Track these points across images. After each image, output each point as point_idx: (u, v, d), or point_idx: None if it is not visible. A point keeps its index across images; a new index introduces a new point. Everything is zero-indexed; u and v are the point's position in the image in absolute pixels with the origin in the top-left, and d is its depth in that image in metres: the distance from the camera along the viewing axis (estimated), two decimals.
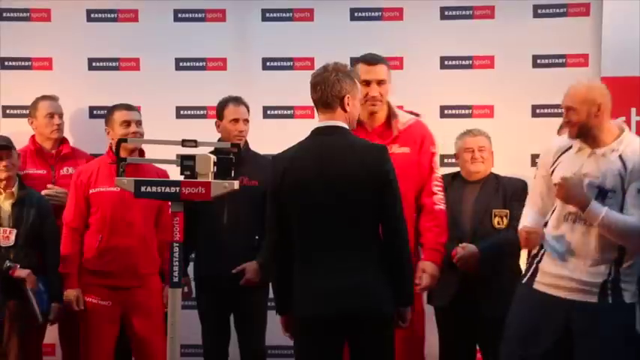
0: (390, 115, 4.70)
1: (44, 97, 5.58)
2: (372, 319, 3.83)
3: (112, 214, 5.07)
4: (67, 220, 5.17)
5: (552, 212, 4.35)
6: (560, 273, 4.22)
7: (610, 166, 4.19)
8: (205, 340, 5.30)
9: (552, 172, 4.34)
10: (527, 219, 4.43)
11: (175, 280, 3.99)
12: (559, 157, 4.35)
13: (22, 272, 4.85)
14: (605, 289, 4.19)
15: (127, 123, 5.14)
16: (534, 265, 4.36)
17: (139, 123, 5.20)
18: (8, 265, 4.85)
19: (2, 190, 5.02)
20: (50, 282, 5.06)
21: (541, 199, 4.44)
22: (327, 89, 3.94)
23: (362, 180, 3.85)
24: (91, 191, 5.12)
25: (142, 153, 5.17)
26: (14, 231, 4.99)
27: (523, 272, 4.45)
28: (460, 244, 5.00)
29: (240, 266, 5.05)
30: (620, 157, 4.19)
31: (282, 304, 3.99)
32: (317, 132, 4.02)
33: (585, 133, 4.23)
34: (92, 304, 5.11)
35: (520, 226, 4.40)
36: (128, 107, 5.23)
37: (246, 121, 5.18)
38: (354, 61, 4.77)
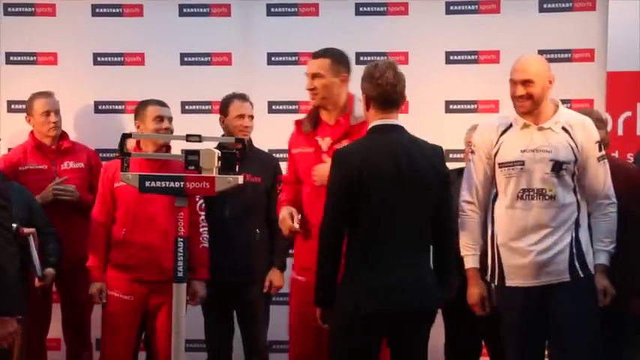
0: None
1: (39, 95, 5.56)
2: (427, 314, 4.00)
3: (134, 209, 5.07)
4: (94, 215, 5.19)
5: (495, 197, 4.35)
6: (524, 262, 4.24)
7: (559, 138, 4.24)
8: (208, 333, 5.31)
9: (496, 153, 4.31)
10: (470, 244, 4.41)
11: (180, 275, 3.98)
12: (499, 138, 4.32)
13: (28, 230, 4.88)
14: (572, 264, 4.23)
15: (160, 118, 5.13)
16: (497, 264, 4.34)
17: (170, 119, 5.19)
18: (16, 226, 4.84)
19: None
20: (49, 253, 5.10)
21: (482, 188, 4.38)
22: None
23: (431, 181, 3.96)
24: (115, 185, 5.11)
25: (168, 149, 5.17)
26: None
27: (489, 274, 4.41)
28: None
29: (267, 280, 5.15)
30: (564, 129, 4.26)
31: (329, 299, 3.97)
32: (380, 130, 4.04)
33: (533, 109, 4.26)
34: (115, 297, 5.10)
35: (468, 263, 4.39)
36: (161, 103, 5.23)
37: (252, 117, 5.18)
38: None
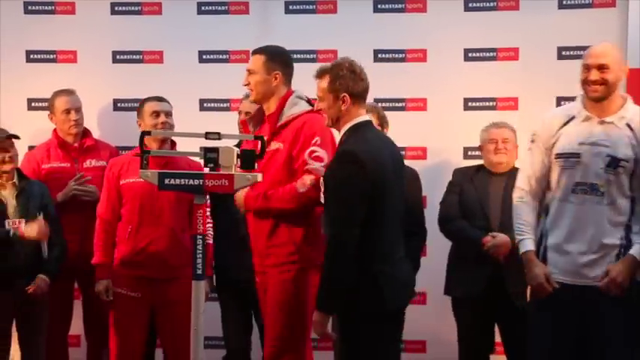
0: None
1: (61, 92, 5.60)
2: None
3: (141, 205, 5.11)
4: (100, 212, 5.25)
5: (549, 190, 4.35)
6: (567, 259, 4.24)
7: (620, 134, 4.20)
8: (226, 330, 5.33)
9: (554, 144, 4.30)
10: (525, 228, 4.37)
11: (199, 272, 3.98)
12: (560, 129, 4.31)
13: (30, 232, 4.91)
14: (619, 257, 4.20)
15: (157, 114, 5.18)
16: (542, 252, 4.35)
17: (168, 114, 5.23)
18: (13, 232, 4.89)
19: (5, 183, 5.01)
20: (49, 260, 5.10)
21: (540, 174, 4.37)
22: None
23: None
24: (121, 182, 5.17)
25: (173, 145, 5.17)
26: (23, 221, 4.98)
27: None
28: (490, 234, 4.97)
29: None
30: (628, 125, 4.21)
31: (340, 303, 3.97)
32: (368, 125, 4.15)
33: (606, 96, 4.23)
34: (122, 294, 5.14)
35: (523, 247, 4.35)
36: (159, 99, 5.29)
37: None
38: None
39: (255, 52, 4.71)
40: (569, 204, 4.24)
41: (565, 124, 4.31)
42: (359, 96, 4.11)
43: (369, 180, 3.91)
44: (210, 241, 5.16)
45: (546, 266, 4.26)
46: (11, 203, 5.01)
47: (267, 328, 4.56)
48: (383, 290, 3.95)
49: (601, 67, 4.20)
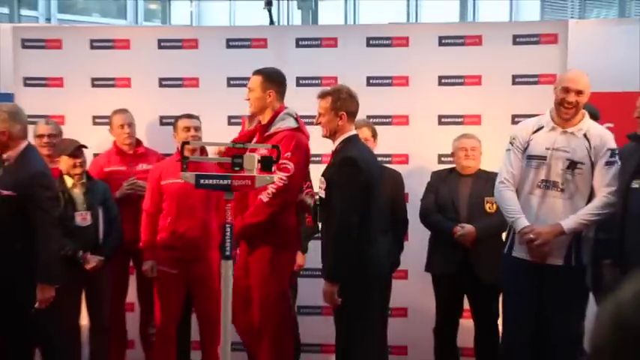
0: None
1: (117, 111, 5.62)
2: None
3: (178, 201, 5.15)
4: (145, 207, 5.29)
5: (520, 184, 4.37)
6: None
7: (578, 142, 4.23)
8: None
9: (526, 147, 4.33)
10: (517, 210, 4.31)
11: (227, 253, 4.00)
12: (531, 135, 4.34)
13: (92, 262, 4.98)
14: (569, 251, 4.24)
15: (187, 129, 5.24)
16: (511, 236, 4.39)
17: (197, 129, 5.28)
18: (81, 254, 4.94)
19: (76, 183, 5.07)
20: (104, 245, 5.15)
21: (518, 173, 4.35)
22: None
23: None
24: (162, 183, 5.21)
25: (203, 152, 5.22)
26: (88, 213, 5.04)
27: (505, 242, 4.49)
28: (459, 224, 5.02)
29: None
30: (585, 135, 4.24)
31: (344, 274, 4.16)
32: (356, 137, 4.33)
33: (573, 117, 4.27)
34: (164, 272, 5.21)
35: (520, 225, 4.27)
36: (189, 116, 5.33)
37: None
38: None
39: (255, 73, 4.77)
40: (534, 197, 4.28)
41: (535, 131, 4.34)
42: (352, 115, 4.28)
43: (365, 179, 4.01)
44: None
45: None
46: (80, 199, 5.07)
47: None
48: (370, 264, 4.15)
49: (578, 92, 4.23)
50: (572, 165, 4.22)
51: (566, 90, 4.22)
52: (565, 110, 4.23)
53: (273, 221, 4.52)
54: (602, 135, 4.29)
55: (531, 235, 4.20)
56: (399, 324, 5.38)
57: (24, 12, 9.84)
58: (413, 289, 5.60)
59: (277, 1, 8.02)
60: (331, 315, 4.50)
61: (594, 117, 5.08)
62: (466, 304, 5.30)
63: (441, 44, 5.90)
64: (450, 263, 5.12)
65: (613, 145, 4.29)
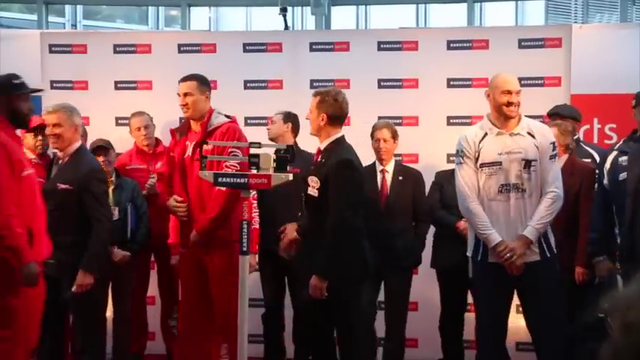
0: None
1: (135, 114, 5.66)
2: None
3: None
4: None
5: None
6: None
7: (527, 141, 4.22)
8: (265, 293, 5.35)
9: (478, 156, 4.26)
10: (487, 225, 4.20)
11: (244, 249, 4.01)
12: (479, 144, 4.27)
13: (119, 256, 5.05)
14: (541, 246, 4.21)
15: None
16: (482, 244, 4.28)
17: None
18: (109, 248, 4.97)
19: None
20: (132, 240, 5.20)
21: (475, 183, 4.25)
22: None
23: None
24: None
25: None
26: (117, 208, 5.08)
27: (471, 251, 4.39)
28: (463, 219, 5.01)
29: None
30: (529, 133, 4.23)
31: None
32: (344, 139, 4.31)
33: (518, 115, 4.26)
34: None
35: (492, 240, 4.18)
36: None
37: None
38: None
39: (187, 79, 4.79)
40: (497, 202, 4.23)
41: (482, 139, 4.27)
42: (335, 118, 4.27)
43: (360, 181, 4.18)
44: (257, 226, 5.15)
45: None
46: (109, 195, 5.11)
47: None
48: (367, 259, 4.24)
49: (518, 92, 4.24)
50: (528, 164, 4.18)
51: (508, 92, 4.20)
52: (512, 110, 4.19)
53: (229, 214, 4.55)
54: (543, 130, 4.32)
55: (508, 254, 4.15)
56: (410, 318, 5.37)
57: (51, 19, 9.89)
58: (424, 284, 5.58)
59: (292, 7, 8.02)
60: None
61: (575, 118, 5.09)
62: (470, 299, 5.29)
63: (449, 48, 5.92)
64: (453, 259, 5.09)
65: (553, 138, 4.33)
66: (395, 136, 5.22)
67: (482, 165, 4.24)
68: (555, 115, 5.14)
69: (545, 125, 4.44)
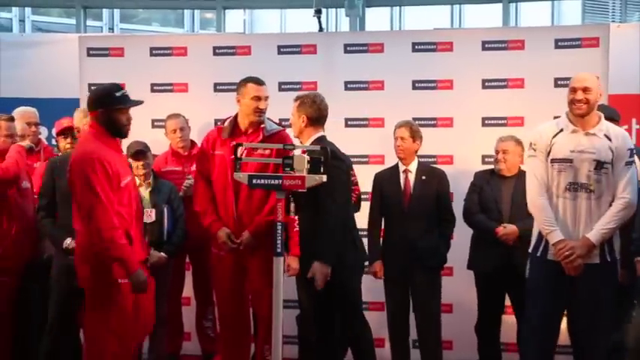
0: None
1: (170, 116, 5.66)
2: None
3: None
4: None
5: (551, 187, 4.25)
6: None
7: (601, 142, 4.15)
8: (300, 295, 5.31)
9: (549, 152, 4.22)
10: (551, 221, 4.18)
11: (278, 250, 3.99)
12: (552, 139, 4.23)
13: (155, 257, 5.03)
14: (603, 250, 4.12)
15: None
16: (544, 241, 4.25)
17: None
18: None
19: (142, 182, 5.12)
20: (168, 242, 5.21)
21: (545, 178, 4.22)
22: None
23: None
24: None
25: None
26: (153, 210, 5.08)
27: (532, 246, 4.34)
28: (502, 224, 4.93)
29: None
30: (606, 135, 4.17)
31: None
32: (325, 137, 4.55)
33: (587, 113, 4.18)
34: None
35: (554, 238, 4.14)
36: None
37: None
38: (243, 81, 4.90)
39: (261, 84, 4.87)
40: (564, 200, 4.18)
41: (555, 135, 4.24)
42: (315, 120, 4.52)
43: (347, 170, 4.50)
44: (297, 229, 5.11)
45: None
46: (146, 197, 5.12)
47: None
48: (358, 245, 4.60)
49: (585, 90, 4.18)
50: (599, 165, 4.12)
51: (574, 90, 4.20)
52: (576, 106, 4.18)
53: None
54: (622, 135, 4.25)
55: (566, 252, 4.11)
56: (445, 319, 5.30)
57: (89, 23, 10.01)
58: (458, 286, 5.52)
59: (326, 9, 7.99)
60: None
61: (612, 119, 4.98)
62: (507, 302, 5.24)
63: (484, 49, 5.82)
64: (492, 261, 5.05)
65: (631, 144, 4.25)
66: (414, 135, 5.17)
67: (553, 160, 4.21)
68: None
69: (625, 132, 4.37)
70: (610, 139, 4.16)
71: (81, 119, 5.00)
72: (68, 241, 4.64)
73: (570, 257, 4.09)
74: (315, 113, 4.50)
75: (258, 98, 4.72)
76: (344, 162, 4.45)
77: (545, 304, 4.25)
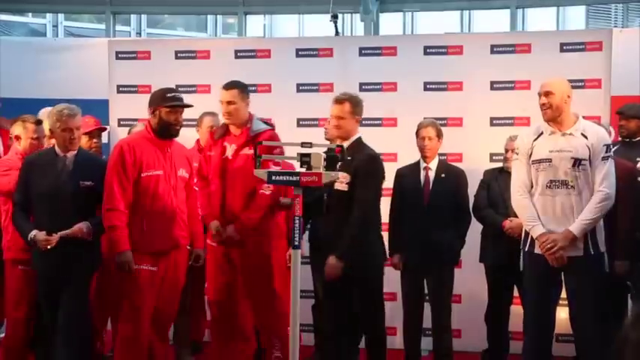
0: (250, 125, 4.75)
1: (206, 114, 5.54)
2: None
3: None
4: None
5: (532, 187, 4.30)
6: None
7: (579, 141, 4.18)
8: (315, 285, 5.33)
9: (531, 154, 4.27)
10: (533, 217, 4.23)
11: (296, 243, 3.98)
12: (533, 142, 4.28)
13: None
14: (587, 243, 4.14)
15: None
16: (530, 237, 4.29)
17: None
18: None
19: None
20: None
21: (528, 179, 4.29)
22: None
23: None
24: None
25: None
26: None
27: (522, 242, 4.38)
28: (509, 219, 4.94)
29: None
30: (582, 134, 4.20)
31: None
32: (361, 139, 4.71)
33: (556, 116, 4.21)
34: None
35: (537, 232, 4.19)
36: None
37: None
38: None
39: (229, 87, 4.78)
40: (546, 197, 4.21)
41: (536, 138, 4.29)
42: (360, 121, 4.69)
43: (384, 174, 4.59)
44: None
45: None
46: None
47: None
48: (379, 248, 4.67)
49: (547, 94, 4.24)
50: (577, 162, 4.15)
51: (539, 95, 4.29)
52: (543, 112, 4.25)
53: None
54: (598, 132, 4.26)
55: (548, 245, 4.15)
56: (454, 309, 5.31)
57: (118, 27, 10.07)
58: (466, 278, 5.53)
59: (342, 14, 8.00)
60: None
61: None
62: (515, 292, 5.24)
63: (492, 52, 5.83)
64: (501, 254, 5.06)
65: (608, 140, 4.30)
66: (439, 134, 5.17)
67: (534, 162, 4.26)
68: (620, 114, 5.17)
69: (602, 129, 4.39)
70: (587, 137, 4.20)
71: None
72: (33, 233, 4.36)
73: (552, 249, 4.13)
74: (362, 114, 4.65)
75: (222, 102, 4.77)
76: (382, 166, 4.58)
77: (536, 294, 4.32)
